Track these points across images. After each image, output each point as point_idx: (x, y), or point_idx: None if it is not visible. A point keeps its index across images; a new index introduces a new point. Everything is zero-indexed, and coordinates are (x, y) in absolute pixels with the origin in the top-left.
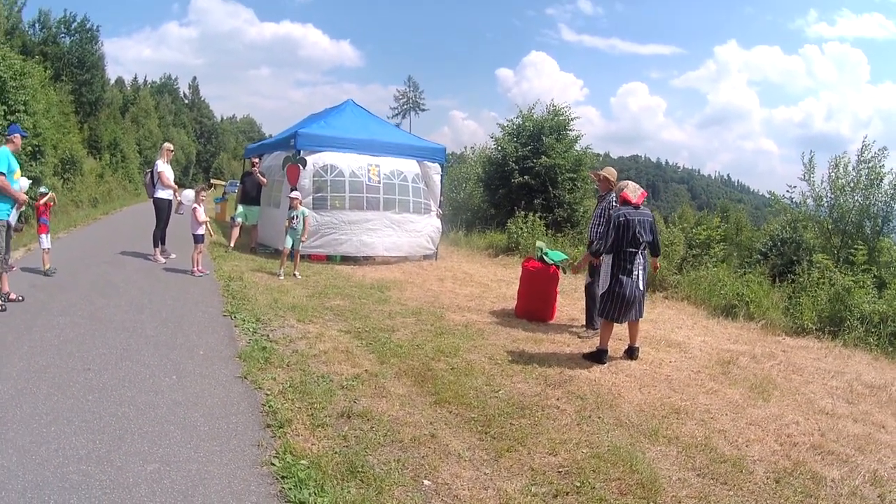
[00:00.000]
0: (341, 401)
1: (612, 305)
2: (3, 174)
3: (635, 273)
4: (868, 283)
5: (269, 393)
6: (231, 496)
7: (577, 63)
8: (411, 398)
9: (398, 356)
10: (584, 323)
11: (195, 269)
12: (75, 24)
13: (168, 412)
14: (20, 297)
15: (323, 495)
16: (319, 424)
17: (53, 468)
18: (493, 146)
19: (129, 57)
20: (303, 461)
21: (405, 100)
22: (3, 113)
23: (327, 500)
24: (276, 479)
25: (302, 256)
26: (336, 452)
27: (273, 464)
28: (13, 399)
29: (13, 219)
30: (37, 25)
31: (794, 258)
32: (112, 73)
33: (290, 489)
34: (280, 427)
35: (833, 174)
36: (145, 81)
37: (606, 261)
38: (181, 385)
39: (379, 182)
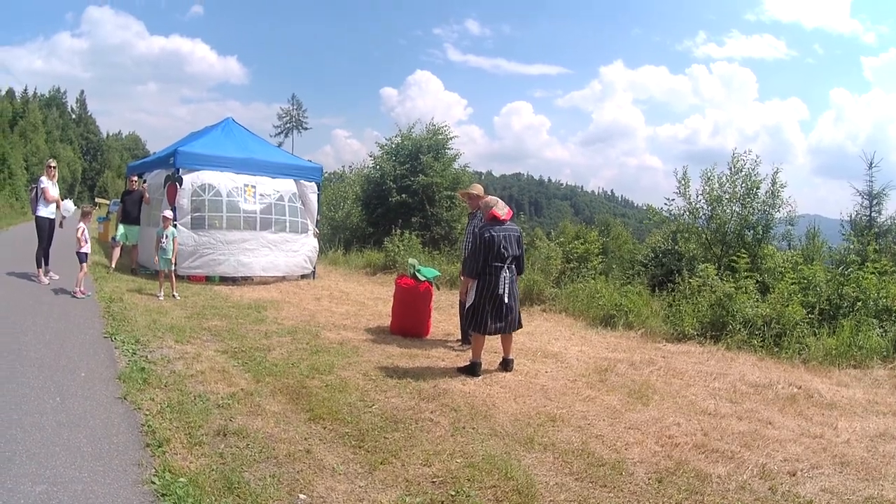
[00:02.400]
0: (217, 419)
1: (479, 318)
2: None
3: (501, 287)
4: (751, 288)
5: (147, 413)
6: None
7: (462, 82)
8: (286, 415)
9: (273, 375)
10: (460, 338)
11: (78, 289)
12: None
13: (53, 434)
14: None
15: None
16: (197, 443)
17: None
18: (371, 165)
19: (20, 67)
20: (181, 479)
21: (288, 118)
22: None
23: None
24: (157, 496)
25: (181, 277)
26: (213, 469)
27: (153, 482)
28: None
29: None
30: None
31: (675, 268)
32: (3, 83)
33: None
34: (159, 446)
35: (707, 187)
36: (35, 94)
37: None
38: (65, 406)
39: (255, 202)
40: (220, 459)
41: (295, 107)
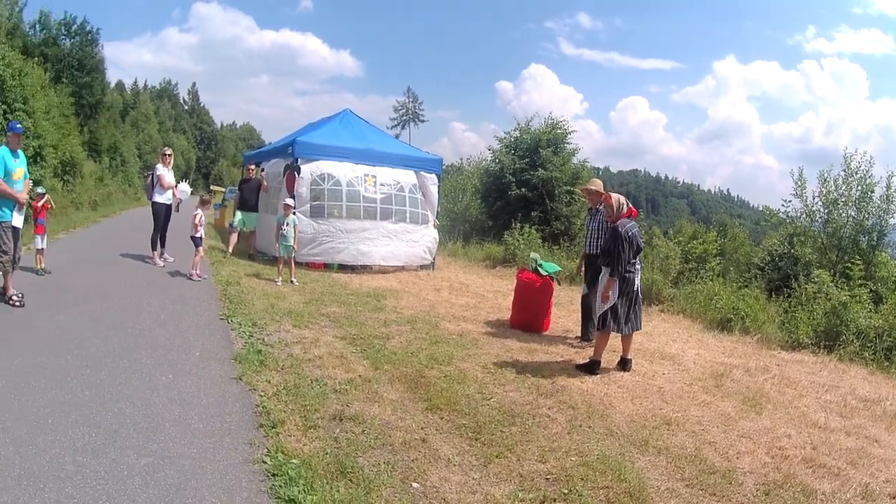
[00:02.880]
0: (334, 404)
1: (615, 316)
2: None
3: (636, 284)
4: (864, 297)
5: (263, 394)
6: (222, 490)
7: (577, 77)
8: (403, 403)
9: (392, 363)
10: (579, 334)
11: (194, 272)
12: (75, 26)
13: (164, 409)
14: (21, 295)
15: (312, 493)
16: (311, 426)
17: (49, 458)
18: (490, 158)
19: (129, 61)
20: (294, 460)
21: (404, 111)
22: (2, 112)
23: (316, 499)
24: (267, 476)
25: (299, 264)
26: (327, 453)
27: (264, 462)
28: (11, 392)
29: (17, 221)
30: (37, 27)
31: (791, 273)
32: (112, 76)
33: (280, 486)
34: (273, 427)
35: (823, 189)
36: (145, 86)
37: (605, 273)
38: (177, 384)
39: (376, 192)
40: (334, 444)
41: (411, 99)
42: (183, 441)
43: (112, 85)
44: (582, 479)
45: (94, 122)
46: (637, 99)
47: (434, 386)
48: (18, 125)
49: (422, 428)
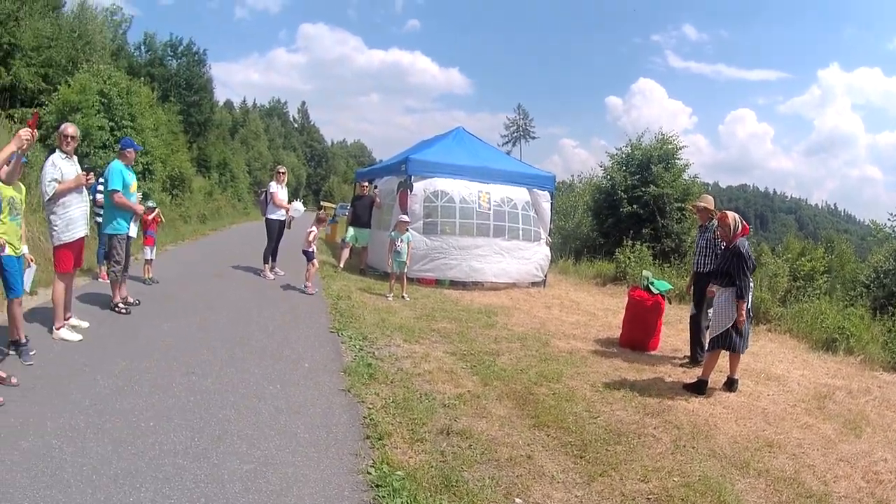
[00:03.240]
0: (442, 418)
1: (734, 336)
2: (119, 191)
3: (750, 301)
4: None
5: (371, 407)
6: (323, 499)
7: (685, 90)
8: (511, 420)
9: (501, 379)
10: (688, 354)
11: (309, 285)
12: (181, 47)
13: (269, 418)
14: (137, 301)
15: None
16: (418, 439)
17: (148, 459)
18: (601, 174)
19: (236, 80)
20: (399, 472)
21: (515, 127)
22: (110, 128)
23: None
24: (371, 487)
25: (411, 279)
26: (432, 466)
27: (369, 472)
28: (114, 395)
29: (133, 231)
30: (142, 48)
31: None
32: (221, 95)
33: (383, 497)
34: (379, 439)
35: None
36: (254, 104)
37: (726, 294)
38: (284, 394)
39: (489, 209)
40: (440, 457)
41: (521, 116)
42: (287, 449)
43: (220, 103)
44: (682, 499)
45: (203, 140)
46: (745, 111)
47: (542, 403)
48: (136, 143)
49: (528, 444)
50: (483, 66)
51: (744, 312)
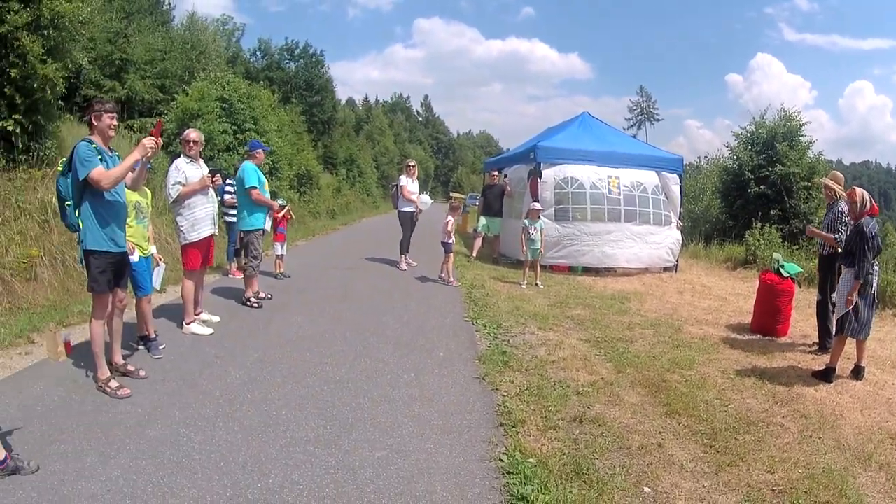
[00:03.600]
0: (575, 406)
1: (858, 321)
2: (256, 187)
3: (874, 285)
4: None
5: (505, 394)
6: (454, 485)
7: (802, 63)
8: (643, 407)
9: (634, 366)
10: (817, 341)
11: (445, 276)
12: (298, 50)
13: (403, 406)
14: (269, 296)
15: (545, 492)
16: (551, 427)
17: (279, 447)
18: (727, 155)
19: (356, 78)
20: (531, 459)
21: (639, 110)
22: (233, 131)
23: (548, 498)
24: (502, 473)
25: (544, 267)
26: (564, 454)
27: (501, 460)
28: (246, 385)
29: (268, 225)
30: (258, 53)
31: None
32: (342, 94)
33: (515, 484)
34: (513, 426)
35: None
36: (377, 101)
37: (848, 275)
38: (418, 382)
39: (619, 194)
40: (572, 445)
41: (644, 98)
42: (420, 437)
43: (343, 102)
44: (805, 492)
45: (328, 138)
46: (863, 83)
47: (674, 390)
48: (263, 144)
49: (659, 432)
50: (602, 49)
51: (854, 294)
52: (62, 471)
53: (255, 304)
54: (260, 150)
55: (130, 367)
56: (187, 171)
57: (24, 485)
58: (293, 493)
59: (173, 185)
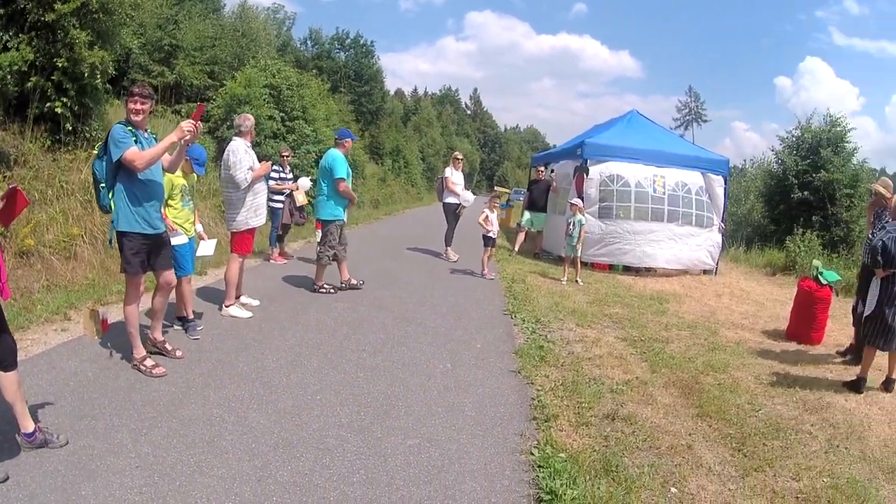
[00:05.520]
0: (608, 403)
1: (877, 331)
2: (345, 179)
3: None
4: None
5: (540, 389)
6: (483, 476)
7: (851, 69)
8: (675, 408)
9: (669, 367)
10: (850, 346)
11: (484, 270)
12: (349, 40)
13: (438, 396)
14: (361, 283)
15: (574, 487)
16: (584, 423)
17: (311, 431)
18: (772, 159)
19: (406, 70)
20: (561, 454)
21: (687, 110)
22: (281, 119)
23: (577, 493)
24: (532, 467)
25: (585, 264)
26: (595, 450)
27: (532, 453)
28: (282, 369)
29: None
30: (308, 42)
31: None
32: (391, 85)
33: (544, 478)
34: (546, 421)
35: None
36: (426, 92)
37: (875, 282)
38: (454, 373)
39: (664, 193)
40: (603, 442)
41: (693, 99)
42: (453, 427)
43: (391, 93)
44: (829, 501)
45: (376, 128)
46: None
47: (707, 393)
48: (353, 134)
49: (689, 434)
50: (652, 47)
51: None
52: (91, 446)
53: (331, 290)
54: (349, 139)
55: (168, 346)
56: (252, 156)
57: (52, 458)
58: (323, 476)
59: (248, 169)
